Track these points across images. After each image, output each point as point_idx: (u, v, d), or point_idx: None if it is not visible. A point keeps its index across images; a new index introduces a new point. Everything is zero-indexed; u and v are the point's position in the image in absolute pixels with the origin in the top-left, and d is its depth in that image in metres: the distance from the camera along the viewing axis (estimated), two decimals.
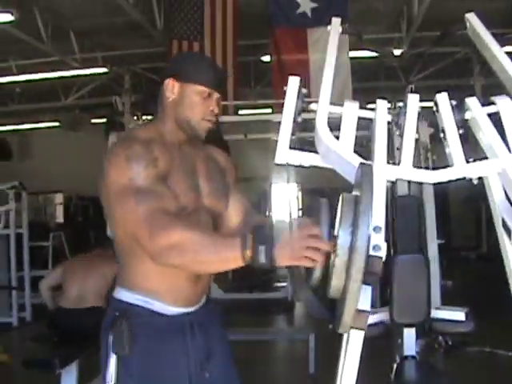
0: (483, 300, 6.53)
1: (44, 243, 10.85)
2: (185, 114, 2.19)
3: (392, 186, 6.58)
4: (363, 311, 1.70)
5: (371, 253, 1.66)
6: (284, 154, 2.11)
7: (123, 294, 2.16)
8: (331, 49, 2.45)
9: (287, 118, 2.15)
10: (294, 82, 2.21)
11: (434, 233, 5.55)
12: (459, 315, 3.42)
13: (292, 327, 7.99)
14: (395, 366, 3.11)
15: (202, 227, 2.14)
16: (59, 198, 16.09)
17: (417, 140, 3.67)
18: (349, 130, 2.11)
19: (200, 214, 2.19)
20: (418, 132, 4.15)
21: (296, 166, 2.20)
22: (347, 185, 1.92)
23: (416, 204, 5.82)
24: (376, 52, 8.82)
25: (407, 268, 2.96)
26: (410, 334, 3.16)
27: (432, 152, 5.68)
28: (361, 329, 1.75)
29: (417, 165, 2.12)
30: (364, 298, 1.71)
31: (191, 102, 2.18)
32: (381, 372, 3.19)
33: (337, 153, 2.01)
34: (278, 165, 2.16)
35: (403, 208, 5.59)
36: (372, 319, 3.21)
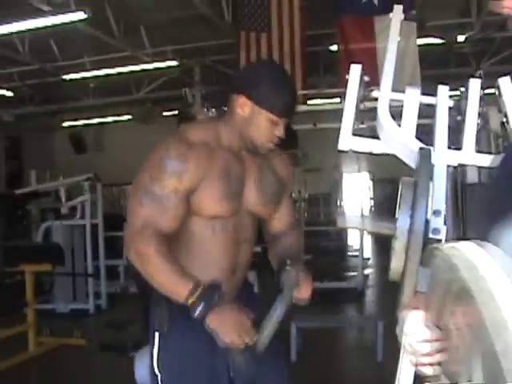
0: None
1: (118, 233, 11.15)
2: (251, 133, 2.22)
3: (462, 173, 6.54)
4: (422, 293, 1.73)
5: (431, 235, 1.70)
6: (347, 140, 2.15)
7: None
8: (393, 36, 2.48)
9: (349, 106, 2.19)
10: (355, 70, 2.25)
11: None
12: None
13: (361, 315, 7.99)
14: None
15: (242, 234, 2.29)
16: None
17: (487, 126, 3.65)
18: (410, 116, 2.14)
19: (242, 218, 2.29)
20: (487, 118, 4.12)
21: (360, 153, 2.25)
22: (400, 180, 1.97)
23: (485, 191, 5.77)
24: (440, 38, 8.68)
25: None
26: None
27: (504, 138, 5.59)
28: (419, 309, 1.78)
29: (488, 151, 2.13)
30: (422, 279, 1.75)
31: (260, 125, 2.20)
32: None
33: (398, 138, 2.04)
34: (340, 151, 2.20)
35: (472, 196, 5.55)
36: None
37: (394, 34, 2.47)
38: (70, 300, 8.63)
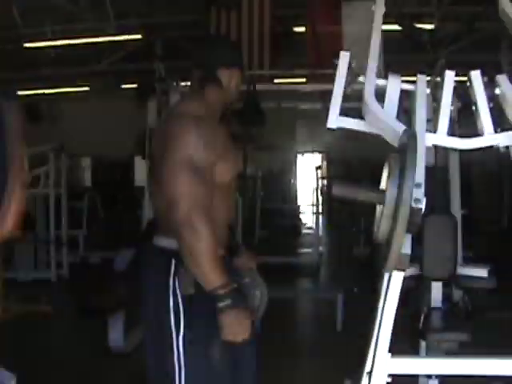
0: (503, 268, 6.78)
1: (78, 204, 11.27)
2: (231, 93, 2.59)
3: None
4: (405, 254, 2.01)
5: (413, 205, 1.97)
6: (335, 119, 2.40)
7: (173, 243, 2.38)
8: (377, 26, 2.73)
9: (338, 88, 2.44)
10: (345, 56, 2.50)
11: (457, 201, 5.83)
12: (482, 272, 3.73)
13: (320, 288, 8.31)
14: (423, 315, 3.43)
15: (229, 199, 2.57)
16: (86, 161, 16.49)
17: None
18: (392, 101, 2.40)
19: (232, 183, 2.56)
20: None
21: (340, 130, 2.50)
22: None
23: (443, 174, 6.12)
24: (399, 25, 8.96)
25: (437, 227, 3.26)
26: (437, 288, 3.48)
27: (459, 124, 5.91)
28: (402, 270, 2.06)
29: None
30: (405, 243, 2.02)
31: (236, 82, 2.59)
32: (410, 321, 3.50)
33: (383, 120, 2.29)
34: (329, 129, 2.44)
35: (430, 176, 5.89)
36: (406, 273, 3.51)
37: (378, 24, 2.72)
38: (32, 269, 8.73)
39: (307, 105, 8.02)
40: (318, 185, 10.98)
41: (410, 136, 1.97)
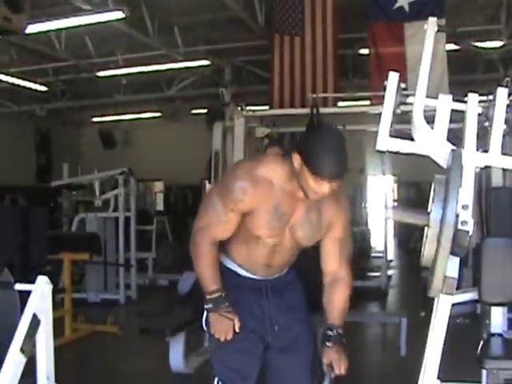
0: None
1: (148, 227, 11.48)
2: (301, 183, 2.60)
3: (487, 177, 6.71)
4: (451, 278, 1.96)
5: (459, 227, 1.93)
6: (384, 141, 2.38)
7: (224, 259, 2.91)
8: (427, 47, 2.69)
9: (387, 109, 2.42)
10: (393, 77, 2.47)
11: None
12: None
13: (385, 312, 8.19)
14: (482, 342, 3.32)
15: (280, 255, 2.85)
16: (159, 186, 16.80)
17: None
18: (442, 120, 2.36)
19: (284, 242, 2.80)
20: None
21: (394, 153, 2.47)
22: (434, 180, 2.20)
23: (510, 195, 5.95)
24: (469, 45, 8.84)
25: (496, 250, 3.17)
26: (497, 313, 3.37)
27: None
28: (449, 293, 2.01)
29: None
30: (452, 266, 1.98)
31: (307, 180, 2.56)
32: (468, 347, 3.40)
33: (431, 140, 2.26)
34: (378, 151, 2.42)
35: (497, 198, 5.74)
36: (463, 298, 3.42)
37: (429, 45, 2.68)
38: (102, 290, 8.92)
39: (375, 127, 7.95)
40: (387, 208, 10.81)
41: (455, 155, 1.94)
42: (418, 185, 17.15)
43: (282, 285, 2.96)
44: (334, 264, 2.85)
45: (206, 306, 2.76)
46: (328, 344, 2.79)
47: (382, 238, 10.62)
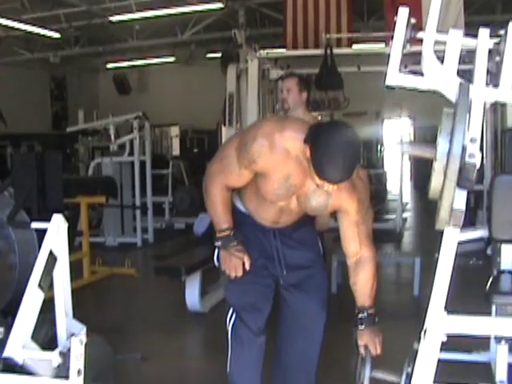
0: None
1: (164, 171, 11.55)
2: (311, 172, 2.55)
3: (503, 119, 6.64)
4: (458, 210, 1.98)
5: (467, 160, 1.94)
6: (394, 76, 2.36)
7: (237, 202, 2.98)
8: None
9: (397, 44, 2.40)
10: (403, 12, 2.45)
11: None
12: None
13: (400, 252, 8.25)
14: (491, 278, 3.35)
15: (286, 214, 2.87)
16: (175, 130, 16.82)
17: None
18: (452, 55, 2.34)
19: (288, 203, 2.81)
20: None
21: (407, 89, 2.46)
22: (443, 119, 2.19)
23: None
24: None
25: (508, 187, 3.17)
26: (507, 250, 3.39)
27: None
28: (456, 225, 2.03)
29: None
30: (459, 199, 1.99)
31: (314, 177, 2.52)
32: (478, 285, 3.44)
33: (440, 74, 2.25)
34: (388, 87, 2.41)
35: (511, 139, 5.71)
36: (474, 235, 3.44)
37: None
38: (119, 234, 9.05)
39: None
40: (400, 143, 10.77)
41: (463, 88, 1.94)
42: (434, 128, 16.97)
43: (290, 230, 2.99)
44: (354, 246, 2.81)
45: (216, 244, 2.87)
46: (361, 327, 2.80)
47: (397, 180, 10.62)
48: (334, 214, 2.87)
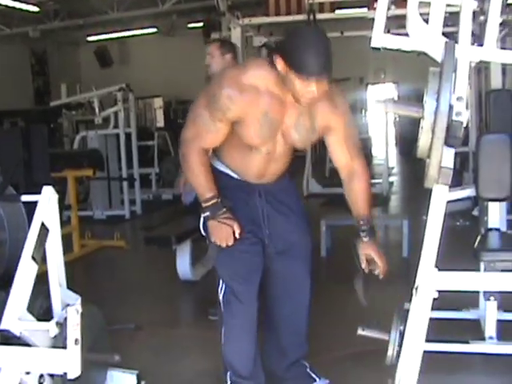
0: None
1: (149, 143, 11.52)
2: (289, 86, 2.57)
3: (487, 80, 6.67)
4: (446, 168, 2.01)
5: (454, 118, 1.96)
6: (379, 37, 2.36)
7: (216, 163, 2.93)
8: None
9: (382, 5, 2.40)
10: None
11: None
12: None
13: (387, 214, 8.32)
14: (479, 236, 3.41)
15: (274, 163, 2.87)
16: (159, 102, 16.69)
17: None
18: (437, 14, 2.35)
19: (276, 151, 2.82)
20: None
21: (391, 51, 2.47)
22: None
23: (509, 97, 5.96)
24: None
25: (493, 146, 3.21)
26: (494, 209, 3.44)
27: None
28: (444, 183, 2.06)
29: None
30: (447, 157, 2.02)
31: (293, 83, 2.53)
32: (468, 244, 3.49)
33: (425, 34, 2.26)
34: (373, 48, 2.42)
35: (496, 100, 5.74)
36: (461, 194, 3.50)
37: None
38: (107, 207, 9.05)
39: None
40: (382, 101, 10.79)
41: (448, 47, 1.95)
42: (418, 91, 17.04)
43: (276, 189, 2.98)
44: (345, 159, 2.86)
45: (203, 215, 2.81)
46: (364, 239, 2.82)
47: (383, 145, 10.66)
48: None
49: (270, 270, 3.02)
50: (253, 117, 2.65)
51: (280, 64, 2.52)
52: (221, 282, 2.92)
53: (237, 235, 2.75)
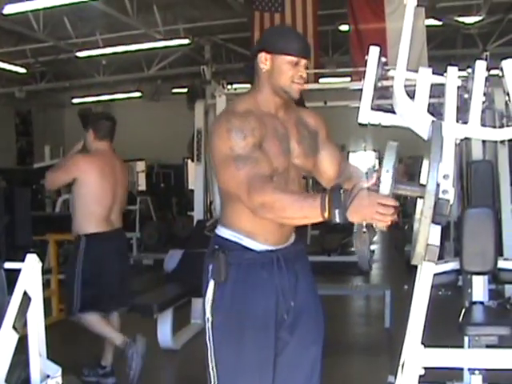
0: None
1: (131, 207, 11.48)
2: (279, 81, 2.51)
3: (467, 151, 6.79)
4: (433, 245, 2.02)
5: (440, 196, 1.98)
6: (366, 114, 2.41)
7: (222, 231, 2.52)
8: (407, 20, 2.73)
9: (369, 82, 2.45)
10: (374, 51, 2.51)
11: (507, 195, 5.77)
12: None
13: (369, 284, 8.32)
14: (464, 310, 3.41)
15: (291, 187, 2.51)
16: (141, 165, 16.78)
17: (492, 106, 3.91)
18: (423, 93, 2.41)
19: (290, 172, 2.53)
20: (492, 98, 4.38)
21: (375, 126, 2.52)
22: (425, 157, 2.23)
23: (490, 168, 6.07)
24: (448, 20, 8.89)
25: (477, 220, 3.24)
26: (478, 282, 3.45)
27: (508, 117, 5.85)
28: (431, 260, 2.07)
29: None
30: (434, 234, 2.03)
31: (282, 70, 2.50)
32: (450, 316, 3.49)
33: (412, 112, 2.31)
34: (360, 124, 2.46)
35: (477, 171, 5.84)
36: (444, 268, 3.50)
37: (409, 19, 2.71)
38: None
39: (356, 103, 7.98)
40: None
41: (435, 126, 1.99)
42: (398, 159, 17.28)
43: (293, 256, 2.57)
44: (335, 158, 2.73)
45: (337, 221, 2.12)
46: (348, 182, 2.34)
47: None
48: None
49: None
50: (269, 135, 2.46)
51: (264, 58, 2.48)
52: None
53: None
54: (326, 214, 2.11)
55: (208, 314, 2.46)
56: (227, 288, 2.44)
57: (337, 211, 2.09)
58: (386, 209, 2.01)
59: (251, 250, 2.47)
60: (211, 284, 2.47)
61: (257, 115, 2.48)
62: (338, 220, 2.10)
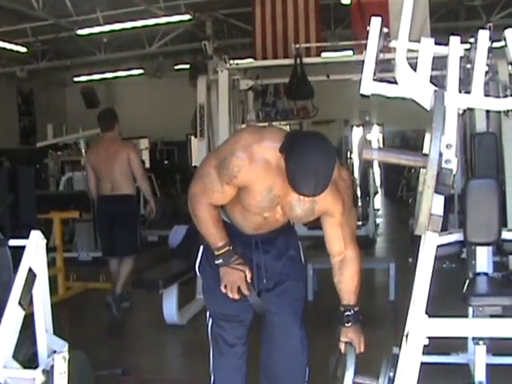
0: None
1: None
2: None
3: (472, 123, 6.76)
4: (436, 215, 2.02)
5: (443, 165, 1.98)
6: (368, 84, 2.39)
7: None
8: None
9: (371, 53, 2.43)
10: (376, 22, 2.48)
11: (511, 167, 5.75)
12: None
13: (374, 258, 8.34)
14: (468, 281, 3.42)
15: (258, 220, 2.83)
16: (145, 143, 16.74)
17: (495, 77, 3.88)
18: (425, 63, 2.39)
19: (272, 214, 2.78)
20: (496, 69, 4.34)
21: (378, 96, 2.50)
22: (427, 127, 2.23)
23: (494, 140, 6.05)
24: None
25: (480, 191, 3.24)
26: (482, 253, 3.46)
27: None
28: (434, 230, 2.07)
29: None
30: (437, 204, 2.03)
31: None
32: (454, 288, 3.50)
33: (414, 82, 2.29)
34: (362, 95, 2.45)
35: (481, 143, 5.82)
36: (448, 239, 3.51)
37: None
38: (92, 249, 8.97)
39: (359, 76, 7.93)
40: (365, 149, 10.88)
41: (437, 96, 1.98)
42: (402, 133, 17.29)
43: (274, 235, 2.95)
44: (339, 246, 2.79)
45: (216, 262, 2.80)
46: (347, 325, 2.79)
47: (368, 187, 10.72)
48: (318, 220, 2.83)
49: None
50: (257, 188, 2.63)
51: (284, 164, 2.51)
52: (209, 318, 3.00)
53: (248, 279, 2.76)
54: (216, 253, 2.79)
55: (197, 269, 3.05)
56: (210, 250, 2.88)
57: (221, 260, 2.78)
58: (235, 285, 2.76)
59: (237, 229, 2.91)
60: (201, 248, 3.02)
61: (267, 169, 2.61)
62: (216, 262, 2.81)
